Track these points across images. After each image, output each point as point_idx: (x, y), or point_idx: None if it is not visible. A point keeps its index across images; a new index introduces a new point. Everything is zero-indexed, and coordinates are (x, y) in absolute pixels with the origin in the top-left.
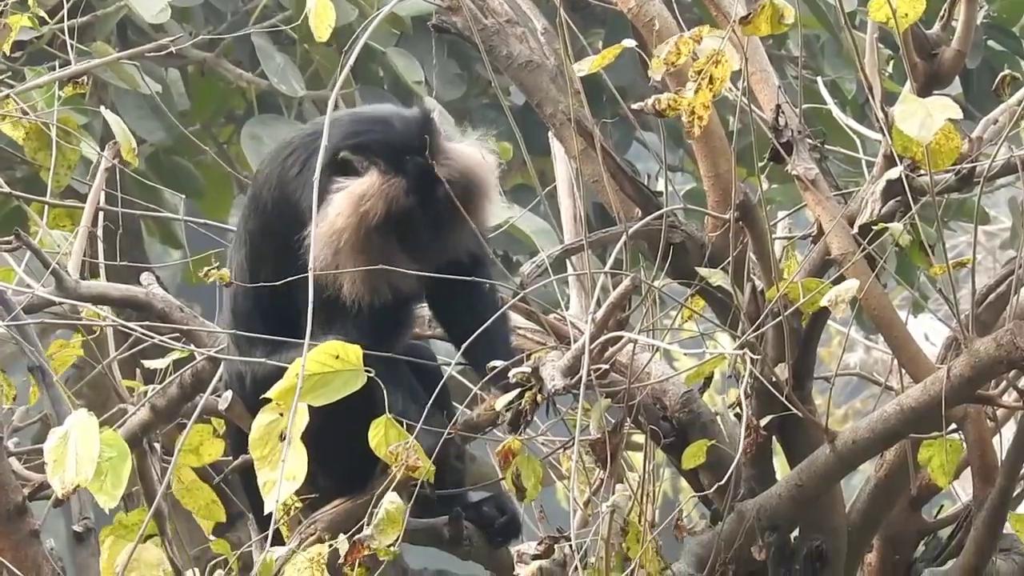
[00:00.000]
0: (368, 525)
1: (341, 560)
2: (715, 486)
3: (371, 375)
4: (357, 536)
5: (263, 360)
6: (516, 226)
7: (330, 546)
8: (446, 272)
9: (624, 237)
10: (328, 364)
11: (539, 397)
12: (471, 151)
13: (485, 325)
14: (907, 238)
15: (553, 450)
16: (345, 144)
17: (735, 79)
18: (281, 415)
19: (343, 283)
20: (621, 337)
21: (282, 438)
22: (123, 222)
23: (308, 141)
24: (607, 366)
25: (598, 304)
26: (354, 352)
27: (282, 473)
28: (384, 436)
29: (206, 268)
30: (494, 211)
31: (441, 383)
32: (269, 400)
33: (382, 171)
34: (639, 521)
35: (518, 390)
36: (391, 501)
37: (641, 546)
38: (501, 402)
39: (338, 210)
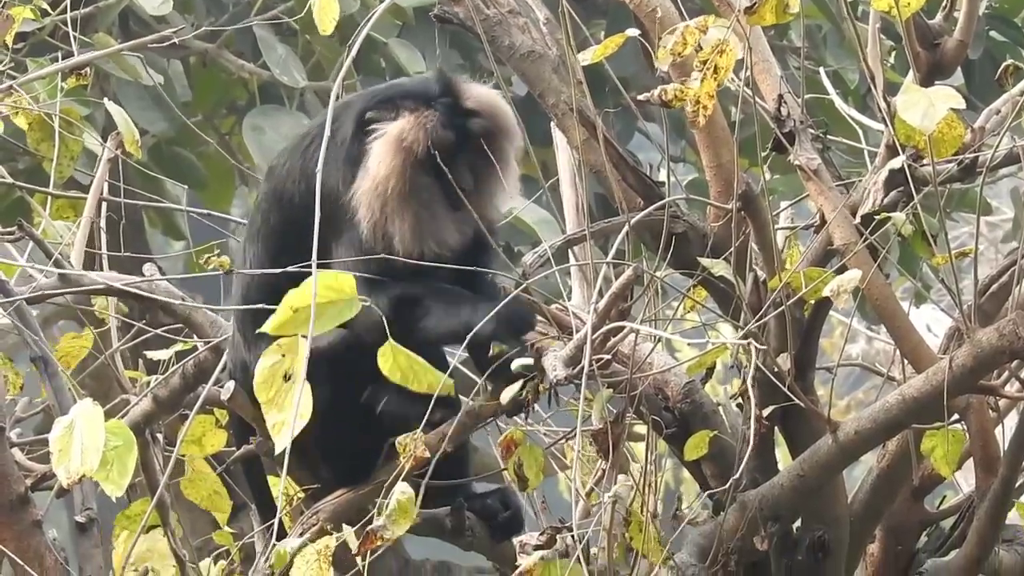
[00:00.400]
0: (378, 515)
1: (354, 552)
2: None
3: (370, 369)
4: (369, 527)
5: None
6: (519, 216)
7: (338, 538)
8: (451, 260)
9: (626, 227)
10: (322, 295)
11: (541, 387)
12: (493, 92)
13: (488, 316)
14: (909, 228)
15: (555, 440)
16: (369, 106)
17: (738, 69)
18: (284, 355)
19: (393, 236)
20: (623, 327)
21: (286, 378)
22: (125, 213)
23: (322, 129)
24: (609, 356)
25: (600, 294)
26: (347, 282)
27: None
28: (393, 363)
29: (207, 256)
30: (517, 162)
31: (448, 372)
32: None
33: (414, 110)
34: (641, 511)
35: (521, 381)
36: (402, 491)
37: (643, 536)
38: (506, 395)
39: (379, 158)
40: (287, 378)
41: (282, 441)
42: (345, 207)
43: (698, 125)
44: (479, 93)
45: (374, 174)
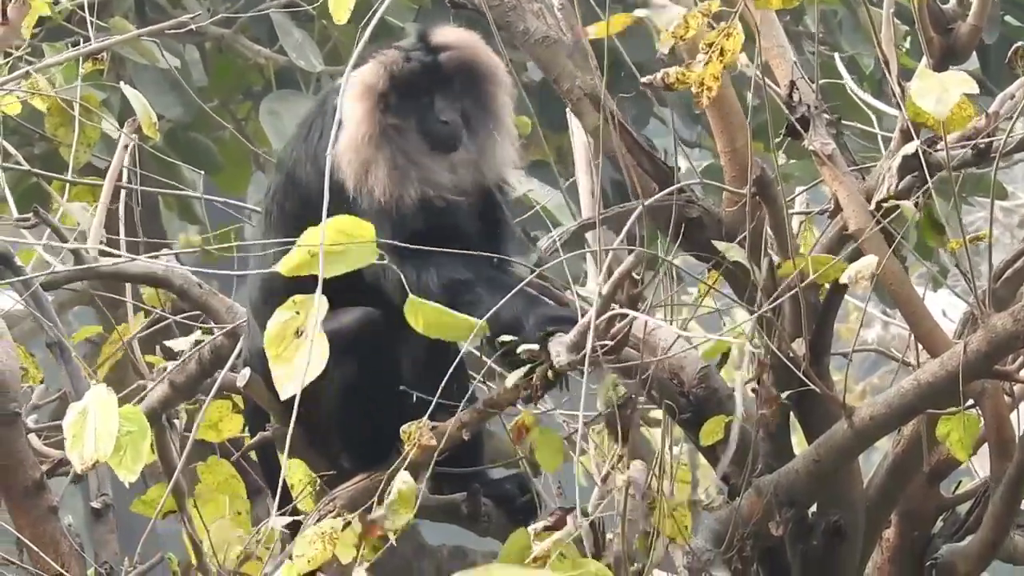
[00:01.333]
0: (378, 504)
1: (358, 540)
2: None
3: (387, 354)
4: (370, 516)
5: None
6: (533, 200)
7: (345, 523)
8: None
9: (638, 211)
10: (338, 239)
11: (550, 373)
12: (470, 33)
13: (500, 302)
14: (918, 216)
15: (572, 433)
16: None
17: (752, 55)
18: (298, 312)
19: (374, 186)
20: (627, 314)
21: (298, 334)
22: (141, 198)
23: (319, 109)
24: (613, 342)
25: (608, 279)
26: (366, 228)
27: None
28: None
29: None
30: (508, 104)
31: (458, 359)
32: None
33: (379, 54)
34: (659, 497)
35: (528, 366)
36: (403, 481)
37: (664, 519)
38: (511, 379)
39: (348, 108)
40: (299, 334)
41: (287, 391)
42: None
43: (702, 106)
44: (451, 32)
45: (346, 126)
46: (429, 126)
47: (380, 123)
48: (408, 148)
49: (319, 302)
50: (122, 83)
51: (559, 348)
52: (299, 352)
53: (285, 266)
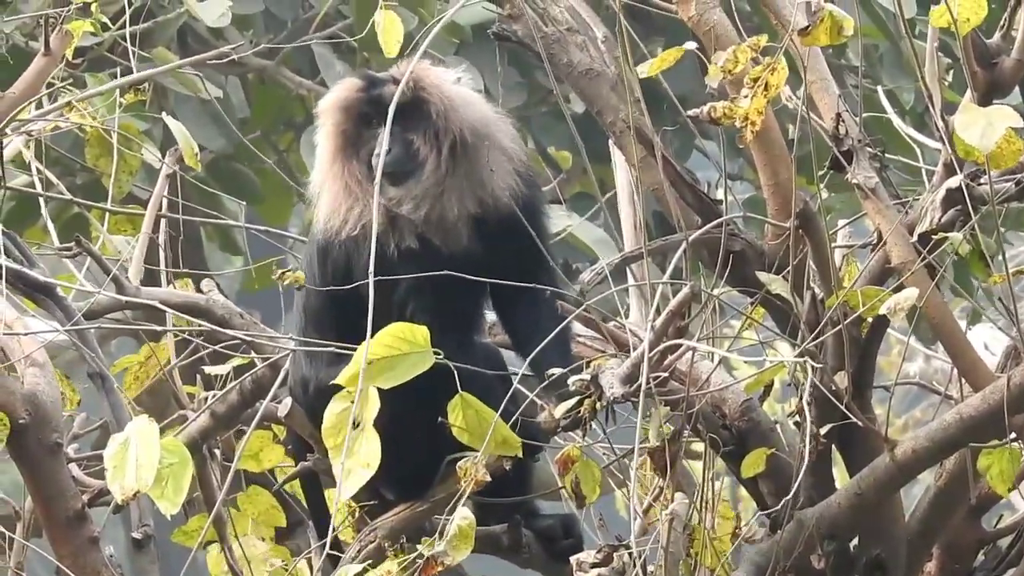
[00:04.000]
0: (438, 538)
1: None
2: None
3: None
4: (430, 552)
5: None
6: (575, 235)
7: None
8: (507, 274)
9: (684, 245)
10: (395, 347)
11: (598, 405)
12: (442, 73)
13: (549, 337)
14: (966, 247)
15: (613, 459)
16: None
17: (795, 88)
18: (353, 402)
19: (322, 210)
20: (680, 345)
21: (355, 425)
22: (183, 229)
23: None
24: (666, 374)
25: (657, 312)
26: (421, 334)
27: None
28: (461, 416)
29: (279, 271)
30: (495, 156)
31: (511, 391)
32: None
33: (346, 81)
34: (701, 528)
35: (578, 398)
36: (463, 517)
37: (704, 551)
38: (560, 410)
39: (320, 132)
40: (356, 425)
41: (348, 490)
42: None
43: (746, 141)
44: (416, 68)
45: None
46: (369, 158)
47: (333, 152)
48: (354, 178)
49: (371, 396)
50: (164, 113)
51: (612, 380)
52: (356, 444)
53: (345, 378)
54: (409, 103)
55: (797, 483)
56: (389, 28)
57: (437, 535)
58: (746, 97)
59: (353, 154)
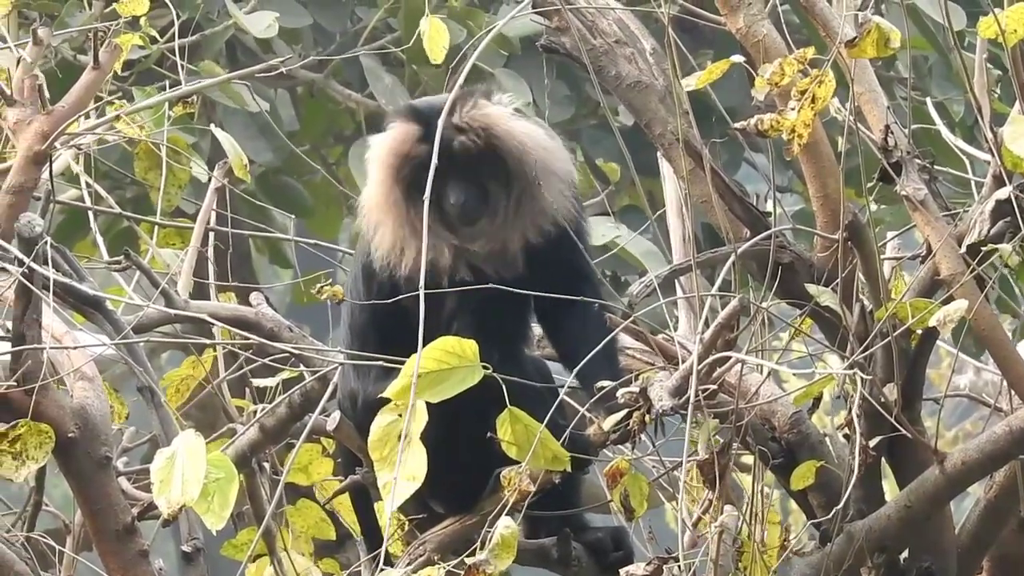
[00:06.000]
0: (481, 548)
1: None
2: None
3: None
4: (472, 561)
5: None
6: (624, 247)
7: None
8: (551, 290)
9: (733, 257)
10: (444, 361)
11: (647, 418)
12: (505, 112)
13: (596, 349)
14: (1016, 259)
15: (663, 472)
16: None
17: (844, 99)
18: (400, 415)
19: (376, 248)
20: (729, 358)
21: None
22: (232, 242)
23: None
24: (715, 387)
25: (706, 325)
26: (470, 348)
27: (398, 471)
28: (510, 431)
29: (319, 285)
30: (553, 184)
31: (557, 401)
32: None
33: (401, 122)
34: (750, 541)
35: (626, 410)
36: (506, 526)
37: (754, 564)
38: (609, 422)
39: (371, 170)
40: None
41: (394, 502)
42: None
43: (793, 153)
44: (479, 112)
45: (368, 186)
46: (442, 207)
47: (387, 194)
48: (410, 222)
49: (419, 410)
50: (212, 125)
51: (662, 392)
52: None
53: (394, 392)
54: (479, 151)
55: (847, 495)
56: (435, 35)
57: (478, 544)
58: (793, 109)
59: (417, 195)
